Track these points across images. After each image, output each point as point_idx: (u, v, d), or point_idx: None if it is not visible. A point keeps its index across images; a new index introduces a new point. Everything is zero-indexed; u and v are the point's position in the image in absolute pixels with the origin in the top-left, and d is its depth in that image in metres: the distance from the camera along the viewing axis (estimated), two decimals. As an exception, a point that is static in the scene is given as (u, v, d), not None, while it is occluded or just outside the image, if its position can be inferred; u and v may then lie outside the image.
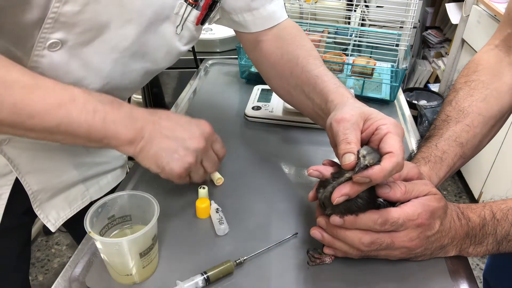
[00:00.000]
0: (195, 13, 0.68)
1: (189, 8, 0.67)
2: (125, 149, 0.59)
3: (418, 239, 0.56)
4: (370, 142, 0.56)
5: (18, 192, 0.74)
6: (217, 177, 0.76)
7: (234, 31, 0.82)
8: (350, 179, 0.52)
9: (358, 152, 0.51)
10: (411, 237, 0.55)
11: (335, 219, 0.55)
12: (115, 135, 0.57)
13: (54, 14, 0.55)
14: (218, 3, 0.71)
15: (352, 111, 0.57)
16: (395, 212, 0.54)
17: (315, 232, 0.59)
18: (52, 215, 0.80)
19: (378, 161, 0.50)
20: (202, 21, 0.71)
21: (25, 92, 0.51)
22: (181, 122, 0.63)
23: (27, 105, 0.51)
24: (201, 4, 0.68)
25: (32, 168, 0.74)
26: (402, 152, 0.52)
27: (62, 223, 0.82)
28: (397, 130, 0.54)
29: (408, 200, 0.56)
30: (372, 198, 0.55)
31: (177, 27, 0.68)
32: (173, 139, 0.61)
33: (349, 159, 0.51)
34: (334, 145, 0.58)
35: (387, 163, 0.50)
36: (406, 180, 0.59)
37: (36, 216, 0.79)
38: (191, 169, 0.64)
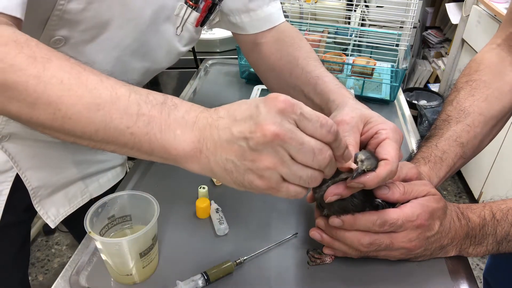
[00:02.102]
0: (195, 15, 0.69)
1: (189, 10, 0.68)
2: (186, 167, 0.45)
3: (417, 240, 0.56)
4: (369, 145, 0.56)
5: (18, 189, 0.75)
6: None
7: (232, 33, 0.83)
8: (345, 180, 0.52)
9: (356, 156, 0.51)
10: (411, 238, 0.55)
11: (334, 220, 0.55)
12: (162, 148, 0.44)
13: (59, 11, 0.55)
14: (217, 6, 0.71)
15: (353, 113, 0.57)
16: (394, 213, 0.54)
17: (315, 233, 0.60)
18: (51, 211, 0.80)
19: (375, 167, 0.51)
20: (202, 23, 0.71)
21: (62, 89, 0.43)
22: (239, 112, 0.43)
23: (63, 104, 0.43)
24: (201, 6, 0.69)
25: (33, 165, 0.75)
26: (397, 160, 0.52)
27: (61, 219, 0.82)
28: (395, 136, 0.55)
29: (408, 201, 0.56)
30: (368, 198, 0.55)
31: (177, 28, 0.69)
32: (233, 142, 0.42)
33: None
34: None
35: (382, 171, 0.51)
36: (405, 180, 0.60)
37: (35, 213, 0.80)
38: (280, 172, 0.42)
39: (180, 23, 0.69)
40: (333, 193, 0.52)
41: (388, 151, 0.53)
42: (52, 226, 0.81)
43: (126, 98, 0.43)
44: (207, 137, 0.43)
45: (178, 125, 0.43)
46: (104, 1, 0.57)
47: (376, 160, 0.51)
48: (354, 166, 0.50)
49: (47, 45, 0.52)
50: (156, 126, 0.43)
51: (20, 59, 0.42)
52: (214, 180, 0.76)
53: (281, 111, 0.41)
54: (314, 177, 0.43)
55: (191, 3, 0.67)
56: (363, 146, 0.57)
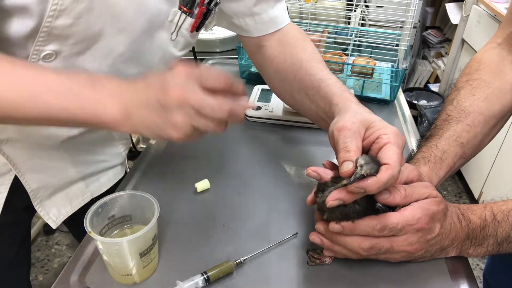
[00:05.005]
0: (190, 20, 0.68)
1: (184, 16, 0.67)
2: (117, 130, 0.55)
3: (418, 243, 0.56)
4: (371, 151, 0.56)
5: (17, 189, 0.75)
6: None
7: (237, 34, 0.82)
8: (347, 185, 0.52)
9: (356, 160, 0.51)
10: (411, 241, 0.55)
11: (334, 226, 0.55)
12: (97, 119, 0.53)
13: (47, 28, 0.55)
14: (212, 11, 0.71)
15: (354, 118, 0.57)
16: (394, 217, 0.54)
17: (315, 238, 0.59)
18: (52, 212, 0.80)
19: (376, 172, 0.50)
20: (197, 28, 0.71)
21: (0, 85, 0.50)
22: (151, 78, 0.55)
23: (4, 98, 0.50)
24: (196, 12, 0.68)
25: (31, 167, 0.74)
26: (399, 165, 0.52)
27: (63, 220, 0.82)
28: (397, 141, 0.54)
29: (408, 204, 0.56)
30: (370, 204, 0.55)
31: (171, 34, 0.68)
32: (150, 107, 0.52)
33: (347, 167, 0.51)
34: (337, 151, 0.57)
35: (383, 175, 0.50)
36: (406, 182, 0.59)
37: (34, 212, 0.80)
38: (192, 123, 0.52)
39: (175, 29, 0.68)
40: (335, 197, 0.52)
41: (389, 155, 0.52)
42: (54, 227, 0.81)
43: (63, 85, 0.52)
44: (132, 106, 0.53)
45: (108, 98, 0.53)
46: (93, 14, 0.57)
47: (377, 165, 0.51)
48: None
49: (37, 60, 0.58)
50: (91, 103, 0.53)
51: None
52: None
53: (184, 77, 0.51)
54: (219, 125, 0.53)
55: (185, 9, 0.66)
56: (365, 151, 0.56)
